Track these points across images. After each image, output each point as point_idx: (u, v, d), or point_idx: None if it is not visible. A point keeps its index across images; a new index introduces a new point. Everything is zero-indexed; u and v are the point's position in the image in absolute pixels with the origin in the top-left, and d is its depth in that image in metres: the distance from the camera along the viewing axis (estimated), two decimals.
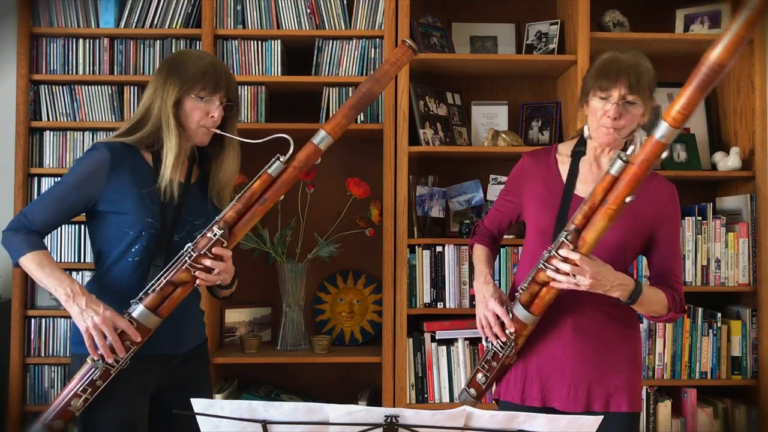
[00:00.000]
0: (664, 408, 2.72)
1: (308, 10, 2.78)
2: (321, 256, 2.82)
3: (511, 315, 1.80)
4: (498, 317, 1.82)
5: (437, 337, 2.75)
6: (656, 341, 2.74)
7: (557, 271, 1.69)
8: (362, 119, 2.78)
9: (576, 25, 2.74)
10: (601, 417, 1.32)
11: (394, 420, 1.27)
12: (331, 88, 2.78)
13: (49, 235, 2.69)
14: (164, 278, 1.75)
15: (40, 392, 2.73)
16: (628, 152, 1.61)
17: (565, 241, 1.67)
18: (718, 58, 1.39)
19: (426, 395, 2.74)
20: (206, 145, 1.94)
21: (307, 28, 2.78)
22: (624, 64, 1.77)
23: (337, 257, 2.87)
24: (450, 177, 2.93)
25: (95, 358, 1.72)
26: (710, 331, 2.75)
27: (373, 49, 2.78)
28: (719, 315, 2.77)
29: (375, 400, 2.82)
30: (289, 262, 2.81)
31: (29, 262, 1.75)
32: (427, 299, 2.76)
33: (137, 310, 1.74)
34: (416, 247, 2.76)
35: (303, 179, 2.79)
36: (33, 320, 2.74)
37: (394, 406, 2.62)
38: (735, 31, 1.35)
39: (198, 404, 1.31)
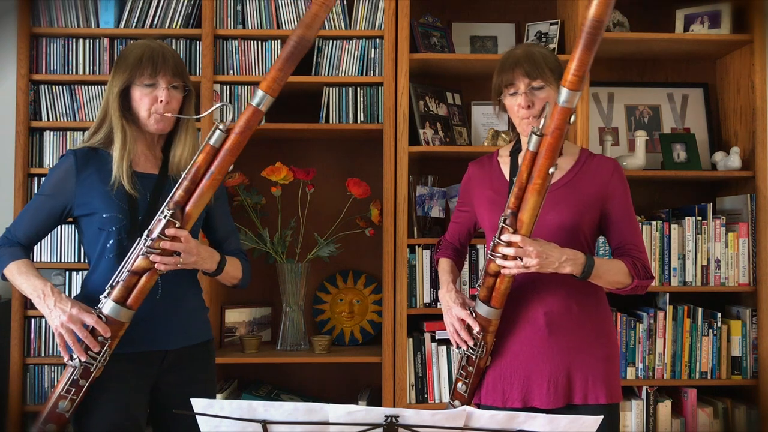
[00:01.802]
0: (664, 408, 2.72)
1: None
2: (321, 256, 2.82)
3: (474, 315, 1.81)
4: (464, 321, 1.82)
5: (437, 337, 2.75)
6: (656, 341, 2.74)
7: (504, 257, 1.70)
8: (362, 119, 2.78)
9: (576, 25, 2.74)
10: (601, 417, 1.32)
11: (394, 420, 1.27)
12: (331, 88, 2.78)
13: (50, 235, 2.72)
14: (125, 269, 1.74)
15: (40, 392, 2.73)
16: (541, 125, 1.64)
17: (504, 225, 1.69)
18: (595, 15, 1.46)
19: (426, 395, 2.74)
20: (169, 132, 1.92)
21: None
22: (517, 56, 1.85)
23: (337, 257, 2.88)
24: (450, 177, 2.93)
25: (71, 358, 1.72)
26: (710, 331, 2.75)
27: (373, 49, 2.78)
28: (719, 315, 2.77)
29: (375, 400, 2.81)
30: (289, 262, 2.81)
31: (10, 273, 1.80)
32: (427, 299, 2.76)
33: (107, 305, 1.73)
34: (416, 247, 2.76)
35: (303, 179, 2.79)
36: (33, 320, 2.74)
37: (394, 406, 2.62)
38: None
39: (198, 404, 1.31)
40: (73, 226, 2.74)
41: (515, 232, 1.67)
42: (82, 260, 2.76)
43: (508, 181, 1.90)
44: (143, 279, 1.74)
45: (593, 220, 1.86)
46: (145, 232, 1.74)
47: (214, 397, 2.03)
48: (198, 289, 2.01)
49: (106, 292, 1.74)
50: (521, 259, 1.67)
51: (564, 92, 1.56)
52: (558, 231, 1.79)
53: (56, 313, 1.71)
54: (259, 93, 1.71)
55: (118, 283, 1.73)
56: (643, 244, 1.88)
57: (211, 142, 1.73)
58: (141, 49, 1.84)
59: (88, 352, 1.71)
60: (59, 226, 1.95)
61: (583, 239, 1.85)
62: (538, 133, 1.62)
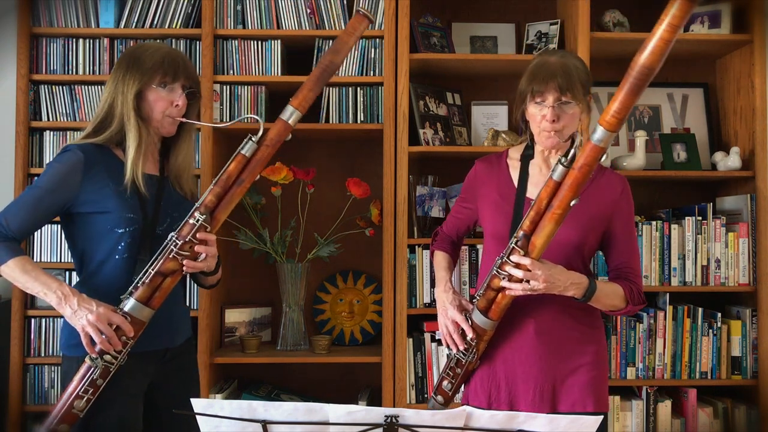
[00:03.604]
0: (664, 408, 2.72)
1: (308, 10, 2.78)
2: (321, 256, 2.82)
3: (470, 321, 1.81)
4: (458, 324, 1.82)
5: (437, 337, 2.75)
6: (656, 341, 2.74)
7: (510, 277, 1.70)
8: (362, 119, 2.78)
9: (576, 25, 2.74)
10: (601, 417, 1.32)
11: (394, 420, 1.27)
12: (331, 88, 2.78)
13: (48, 235, 2.73)
14: (152, 270, 1.75)
15: (40, 392, 2.73)
16: (569, 156, 1.63)
17: (515, 247, 1.69)
18: (646, 62, 1.42)
19: (426, 395, 2.74)
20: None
21: (307, 28, 2.78)
22: (552, 67, 1.78)
23: (337, 257, 2.87)
24: (450, 177, 2.93)
25: (94, 357, 1.72)
26: (710, 331, 2.75)
27: (373, 49, 2.78)
28: (719, 315, 2.77)
29: (375, 400, 2.81)
30: (289, 262, 2.81)
31: (11, 270, 1.74)
32: (427, 299, 2.76)
33: (129, 304, 1.75)
34: (416, 247, 2.76)
35: (303, 179, 2.79)
36: (33, 320, 2.74)
37: (394, 406, 2.62)
38: (660, 36, 1.38)
39: (198, 404, 1.31)
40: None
41: (526, 254, 1.67)
42: None
43: (516, 187, 1.88)
44: (168, 280, 1.78)
45: (596, 238, 1.86)
46: (172, 234, 1.76)
47: (199, 390, 2.08)
48: (181, 288, 2.05)
49: (129, 291, 1.76)
50: (528, 281, 1.68)
51: (599, 131, 1.53)
52: (561, 247, 1.78)
53: (83, 312, 1.71)
54: (290, 108, 1.82)
55: (143, 283, 1.75)
56: (640, 267, 1.89)
57: (244, 151, 1.80)
58: (159, 53, 1.86)
59: (111, 351, 1.73)
60: (36, 230, 1.89)
61: (583, 256, 1.85)
62: (566, 164, 1.61)
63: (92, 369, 1.72)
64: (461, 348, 1.82)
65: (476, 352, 1.82)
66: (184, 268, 1.77)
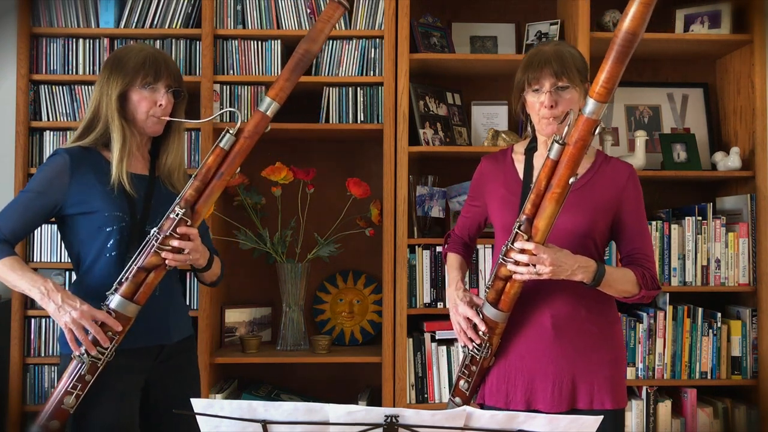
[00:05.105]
0: (664, 408, 2.72)
1: (308, 10, 2.78)
2: (321, 256, 2.82)
3: (481, 315, 1.80)
4: (470, 320, 1.81)
5: (437, 337, 2.75)
6: (656, 341, 2.74)
7: (516, 263, 1.69)
8: (362, 119, 2.78)
9: (576, 25, 2.74)
10: (601, 417, 1.32)
11: (394, 420, 1.27)
12: (331, 88, 2.78)
13: (48, 235, 2.73)
14: (135, 265, 1.77)
15: (40, 392, 2.73)
16: (563, 134, 1.62)
17: (519, 232, 1.68)
18: (629, 28, 1.43)
19: (426, 395, 2.74)
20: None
21: (307, 28, 2.78)
22: (546, 54, 1.81)
23: (337, 257, 2.88)
24: (450, 177, 2.93)
25: (80, 353, 1.73)
26: (710, 331, 2.75)
27: (373, 49, 2.78)
28: (719, 315, 2.77)
29: (375, 400, 2.82)
30: (289, 262, 2.81)
31: (0, 269, 1.77)
32: (427, 299, 2.76)
33: (114, 300, 1.76)
34: (416, 247, 2.76)
35: (303, 179, 2.79)
36: (33, 320, 2.74)
37: (394, 406, 2.62)
38: (640, 0, 1.39)
39: (198, 404, 1.31)
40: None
41: (530, 238, 1.66)
42: None
43: (522, 181, 1.88)
44: (151, 275, 1.78)
45: (606, 225, 1.85)
46: (154, 230, 1.78)
47: (200, 389, 2.09)
48: (181, 285, 2.06)
49: (114, 288, 1.77)
50: (534, 265, 1.66)
51: (591, 103, 1.54)
52: (570, 235, 1.78)
53: (66, 309, 1.72)
54: (267, 99, 1.82)
55: (127, 279, 1.77)
56: (653, 253, 1.87)
57: (221, 144, 1.80)
58: (142, 54, 1.88)
59: (97, 347, 1.73)
60: (29, 233, 1.92)
61: (594, 244, 1.84)
62: (560, 141, 1.61)
63: (79, 365, 1.74)
64: (476, 342, 1.80)
65: (490, 347, 1.81)
66: (167, 263, 1.78)
